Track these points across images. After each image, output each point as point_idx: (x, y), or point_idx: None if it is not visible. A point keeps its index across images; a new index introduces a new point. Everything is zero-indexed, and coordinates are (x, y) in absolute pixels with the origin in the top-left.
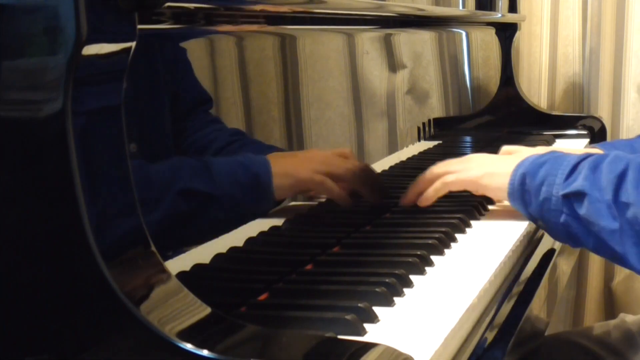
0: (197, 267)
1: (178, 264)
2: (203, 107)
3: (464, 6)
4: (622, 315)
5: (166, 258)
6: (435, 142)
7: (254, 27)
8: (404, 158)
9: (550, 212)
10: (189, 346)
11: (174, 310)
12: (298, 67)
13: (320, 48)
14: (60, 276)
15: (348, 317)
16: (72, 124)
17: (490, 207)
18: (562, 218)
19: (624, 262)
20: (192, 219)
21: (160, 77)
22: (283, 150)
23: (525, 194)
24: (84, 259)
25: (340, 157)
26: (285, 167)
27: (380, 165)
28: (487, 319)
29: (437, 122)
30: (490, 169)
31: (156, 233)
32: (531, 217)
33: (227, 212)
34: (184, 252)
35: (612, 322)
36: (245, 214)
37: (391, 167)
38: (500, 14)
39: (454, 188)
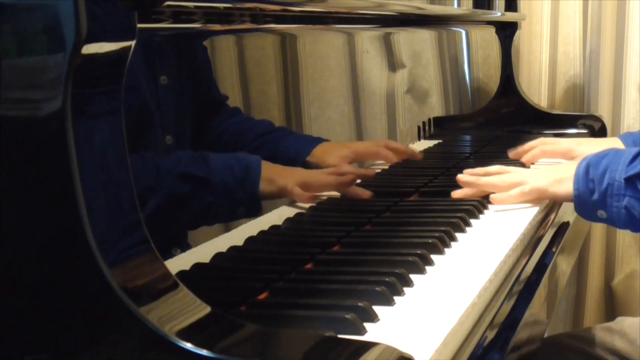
0: (197, 266)
1: (178, 263)
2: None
3: (459, 5)
4: (621, 318)
5: (166, 257)
6: (436, 141)
7: (254, 26)
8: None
9: (613, 197)
10: (188, 345)
11: (174, 310)
12: (298, 66)
13: (321, 47)
14: (60, 275)
15: (348, 316)
16: (72, 122)
17: (490, 206)
18: (625, 201)
19: None
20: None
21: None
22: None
23: (589, 183)
24: (83, 257)
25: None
26: (273, 174)
27: (381, 165)
28: (487, 318)
29: (437, 121)
30: (555, 176)
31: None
32: (594, 207)
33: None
34: (183, 251)
35: (612, 324)
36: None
37: (391, 167)
38: (500, 12)
39: (529, 198)
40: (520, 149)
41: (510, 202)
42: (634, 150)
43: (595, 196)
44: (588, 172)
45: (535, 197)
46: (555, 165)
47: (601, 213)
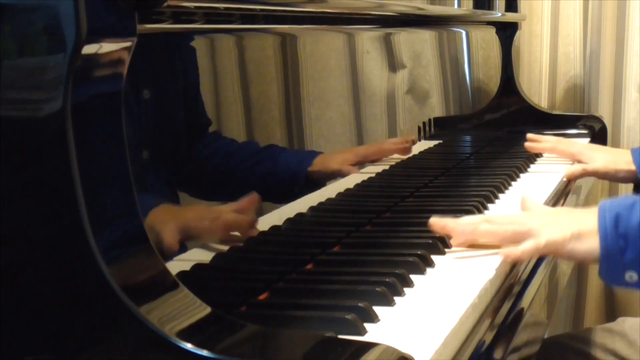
0: (197, 267)
1: (178, 263)
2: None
3: (459, 5)
4: (622, 319)
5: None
6: (436, 142)
7: (254, 27)
8: (404, 157)
9: None
10: (189, 346)
11: (174, 310)
12: (298, 67)
13: (321, 47)
14: (60, 276)
15: (348, 316)
16: (72, 123)
17: (490, 206)
18: None
19: None
20: None
21: (161, 78)
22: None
23: (619, 240)
24: (83, 258)
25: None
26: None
27: (381, 165)
28: (487, 319)
29: (438, 121)
30: (572, 228)
31: None
32: (623, 268)
33: None
34: (184, 251)
35: (612, 325)
36: None
37: (392, 167)
38: (500, 13)
39: (545, 252)
40: (537, 137)
41: (525, 258)
42: None
43: (630, 255)
44: (617, 226)
45: (551, 252)
46: (560, 211)
47: (631, 275)
